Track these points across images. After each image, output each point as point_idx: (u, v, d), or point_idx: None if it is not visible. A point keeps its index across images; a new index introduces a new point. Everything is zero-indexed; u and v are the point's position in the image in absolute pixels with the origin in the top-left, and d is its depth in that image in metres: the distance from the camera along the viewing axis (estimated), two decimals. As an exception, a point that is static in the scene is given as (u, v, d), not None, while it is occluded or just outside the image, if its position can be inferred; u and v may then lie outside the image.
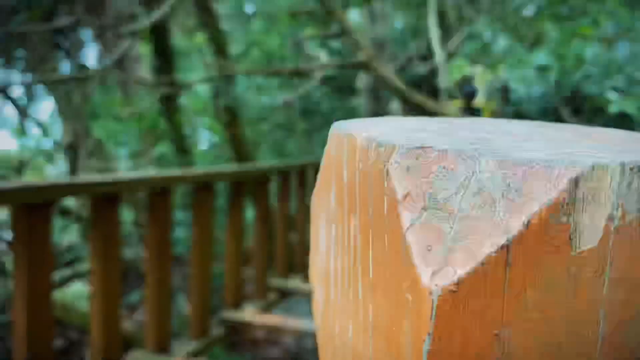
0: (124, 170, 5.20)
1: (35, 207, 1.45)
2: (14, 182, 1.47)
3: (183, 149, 4.07)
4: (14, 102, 5.00)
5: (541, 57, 3.68)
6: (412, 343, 0.25)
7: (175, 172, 2.20)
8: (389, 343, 0.26)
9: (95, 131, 4.96)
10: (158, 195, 1.99)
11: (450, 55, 6.57)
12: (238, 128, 4.23)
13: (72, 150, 4.22)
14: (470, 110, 6.21)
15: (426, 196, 0.24)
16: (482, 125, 0.36)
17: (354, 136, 0.22)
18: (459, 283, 0.24)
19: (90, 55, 8.56)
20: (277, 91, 6.96)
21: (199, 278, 2.33)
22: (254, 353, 4.31)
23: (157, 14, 2.31)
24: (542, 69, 3.89)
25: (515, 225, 0.24)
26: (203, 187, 2.27)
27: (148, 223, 2.02)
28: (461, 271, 0.24)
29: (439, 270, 0.24)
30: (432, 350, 0.24)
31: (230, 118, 4.12)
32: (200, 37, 4.50)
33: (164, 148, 4.39)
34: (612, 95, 4.32)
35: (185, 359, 2.10)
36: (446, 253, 0.24)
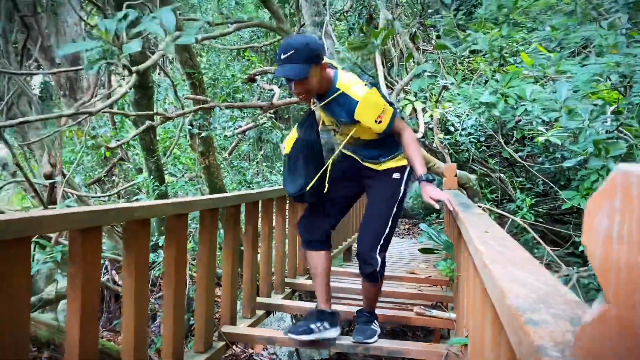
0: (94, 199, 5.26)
1: (90, 229, 1.66)
2: (70, 209, 1.67)
3: (160, 178, 4.25)
4: None
5: (486, 95, 4.17)
6: None
7: (185, 199, 2.43)
8: None
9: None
10: (177, 218, 2.23)
11: (393, 89, 7.10)
12: (212, 157, 4.47)
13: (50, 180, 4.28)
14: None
15: None
16: None
17: None
18: None
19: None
20: (234, 121, 7.21)
21: (204, 297, 2.54)
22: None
23: (150, 61, 2.55)
24: (487, 105, 4.39)
25: None
26: (210, 211, 2.52)
27: (167, 245, 2.24)
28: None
29: None
30: None
31: (205, 148, 4.35)
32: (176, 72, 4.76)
33: (141, 177, 4.53)
34: (540, 127, 4.92)
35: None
36: None
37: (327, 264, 2.67)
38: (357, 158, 2.65)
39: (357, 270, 4.71)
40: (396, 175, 2.57)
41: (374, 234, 2.51)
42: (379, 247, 2.49)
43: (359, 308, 2.85)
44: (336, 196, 2.67)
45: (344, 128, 2.51)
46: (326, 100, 2.40)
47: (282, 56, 2.21)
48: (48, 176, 4.40)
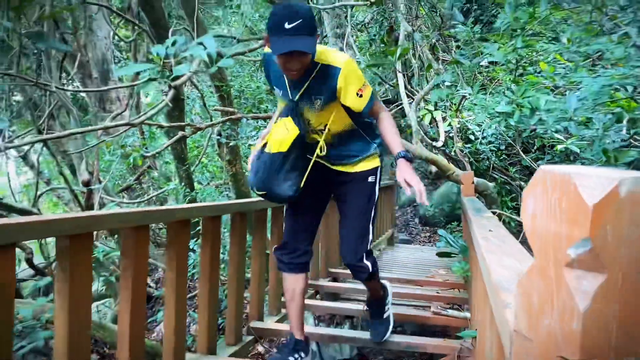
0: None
1: (141, 228, 1.89)
2: (124, 210, 1.90)
3: (190, 185, 4.51)
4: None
5: (502, 105, 4.34)
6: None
7: (219, 202, 2.66)
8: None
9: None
10: (212, 220, 2.46)
11: (413, 98, 7.27)
12: (239, 165, 4.72)
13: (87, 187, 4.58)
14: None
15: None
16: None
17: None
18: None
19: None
20: (258, 130, 7.46)
21: (235, 294, 2.76)
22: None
23: (186, 77, 2.79)
24: (504, 115, 4.55)
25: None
26: (240, 215, 2.74)
27: (203, 244, 2.47)
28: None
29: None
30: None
31: (232, 156, 4.61)
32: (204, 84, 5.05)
33: (172, 184, 4.80)
34: (559, 136, 5.04)
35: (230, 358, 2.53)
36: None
37: (305, 287, 2.49)
38: (326, 163, 2.39)
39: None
40: (371, 179, 2.36)
41: (359, 243, 2.33)
42: (365, 253, 2.34)
43: (369, 301, 2.77)
44: (310, 209, 2.46)
45: (319, 117, 2.21)
46: (309, 79, 2.10)
47: (287, 25, 1.87)
48: (86, 183, 4.69)
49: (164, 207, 2.07)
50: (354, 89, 2.12)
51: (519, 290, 0.64)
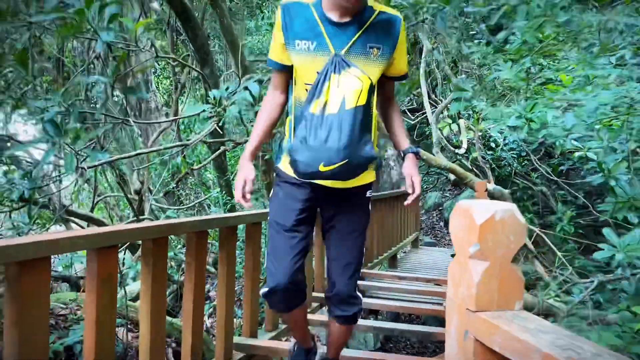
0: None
1: (202, 233, 2.40)
2: (190, 218, 2.39)
3: (230, 193, 5.04)
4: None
5: (513, 119, 4.73)
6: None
7: (259, 211, 3.15)
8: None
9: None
10: (254, 226, 2.96)
11: (437, 107, 7.65)
12: (273, 175, 5.23)
13: (139, 195, 5.16)
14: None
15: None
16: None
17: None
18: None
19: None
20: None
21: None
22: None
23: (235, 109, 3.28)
24: (514, 128, 4.94)
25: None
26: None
27: (246, 246, 2.97)
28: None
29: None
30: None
31: (267, 168, 5.12)
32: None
33: (214, 192, 5.35)
34: (575, 144, 5.41)
35: (270, 340, 3.02)
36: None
37: (305, 313, 2.23)
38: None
39: (401, 274, 5.33)
40: (369, 194, 2.01)
41: (354, 270, 1.97)
42: (357, 282, 2.01)
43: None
44: (299, 237, 1.93)
45: (369, 71, 1.77)
46: (363, 26, 1.79)
47: None
48: (138, 192, 5.27)
49: (218, 215, 2.58)
50: (405, 48, 1.90)
51: (449, 273, 1.10)
